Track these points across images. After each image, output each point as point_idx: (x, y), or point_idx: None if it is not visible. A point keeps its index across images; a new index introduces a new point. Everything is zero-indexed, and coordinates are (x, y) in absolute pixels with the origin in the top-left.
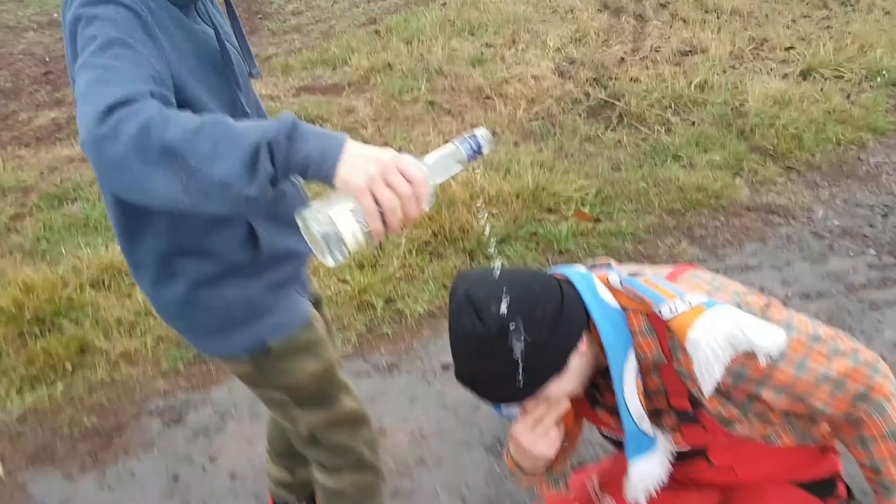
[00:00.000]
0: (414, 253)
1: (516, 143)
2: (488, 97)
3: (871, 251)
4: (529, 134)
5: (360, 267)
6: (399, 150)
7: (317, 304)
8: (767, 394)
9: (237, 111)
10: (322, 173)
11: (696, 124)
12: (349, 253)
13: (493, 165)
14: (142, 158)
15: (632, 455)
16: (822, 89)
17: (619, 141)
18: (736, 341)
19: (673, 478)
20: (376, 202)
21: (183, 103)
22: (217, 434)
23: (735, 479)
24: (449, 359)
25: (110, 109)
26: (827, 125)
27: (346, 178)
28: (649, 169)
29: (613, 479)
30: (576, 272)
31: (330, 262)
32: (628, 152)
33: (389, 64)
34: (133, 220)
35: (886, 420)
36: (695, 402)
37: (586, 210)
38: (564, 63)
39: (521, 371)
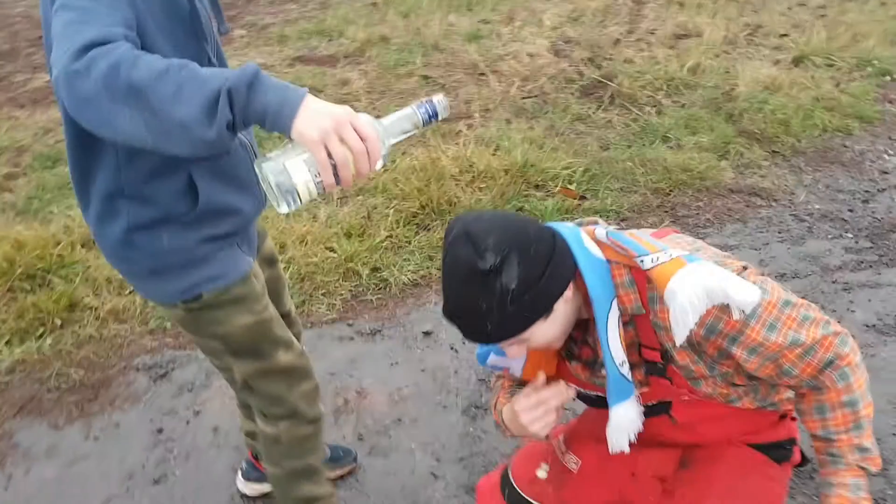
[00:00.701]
0: (401, 224)
1: (508, 120)
2: (483, 73)
3: (849, 235)
4: (522, 111)
5: (348, 236)
6: None
7: (271, 262)
8: (738, 352)
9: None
10: (279, 124)
11: (686, 107)
12: (301, 202)
13: (483, 141)
14: (110, 96)
15: (613, 401)
16: (812, 76)
17: (609, 121)
18: (712, 293)
19: (637, 435)
20: (330, 156)
21: None
22: (202, 390)
23: (696, 438)
24: (431, 326)
25: (86, 48)
26: (815, 112)
27: (302, 130)
28: (637, 149)
29: (577, 438)
30: (564, 225)
31: (283, 210)
32: (618, 132)
33: (386, 37)
34: (88, 159)
35: (848, 388)
36: (665, 355)
37: (573, 188)
38: (560, 42)
39: (510, 306)
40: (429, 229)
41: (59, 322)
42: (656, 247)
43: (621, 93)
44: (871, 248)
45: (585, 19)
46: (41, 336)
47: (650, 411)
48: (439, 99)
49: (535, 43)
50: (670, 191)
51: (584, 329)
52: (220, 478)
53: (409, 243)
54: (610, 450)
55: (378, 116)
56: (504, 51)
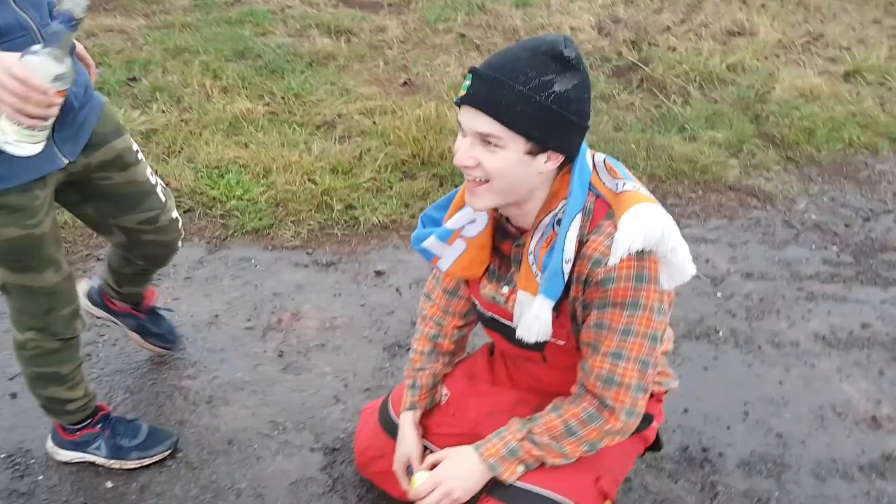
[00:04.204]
0: (389, 169)
1: None
2: (519, 40)
3: (834, 248)
4: None
5: (333, 171)
6: (416, 75)
7: (122, 167)
8: (594, 315)
9: None
10: None
11: (714, 102)
12: (30, 141)
13: None
14: None
15: (542, 290)
16: (858, 92)
17: (631, 103)
18: (663, 240)
19: (508, 377)
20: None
21: None
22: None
23: (560, 384)
24: (384, 267)
25: None
26: (846, 125)
27: None
28: (650, 135)
29: (453, 373)
30: None
31: (25, 152)
32: (637, 116)
33: None
34: None
35: (583, 423)
36: (567, 288)
37: None
38: (608, 20)
39: (538, 95)
40: (414, 177)
41: None
42: (640, 184)
43: (652, 78)
44: (851, 263)
45: (641, 2)
46: None
47: (529, 346)
48: (69, 4)
49: (580, 17)
50: (667, 178)
51: (514, 240)
52: (137, 366)
53: (391, 188)
54: (517, 335)
55: (405, 67)
56: (547, 21)
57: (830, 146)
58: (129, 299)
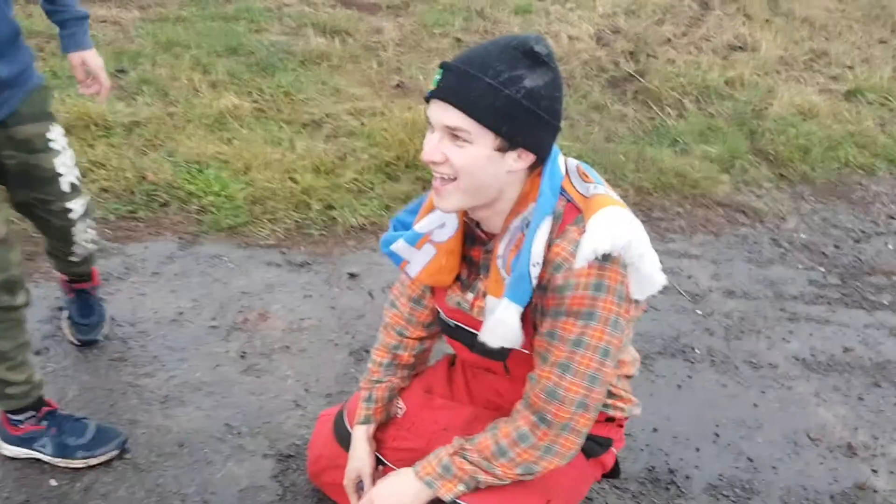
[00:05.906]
0: (371, 170)
1: None
2: None
3: (821, 269)
4: None
5: (316, 171)
6: (409, 78)
7: (28, 150)
8: (547, 322)
9: None
10: None
11: (710, 116)
12: None
13: None
14: None
15: (508, 294)
16: (858, 112)
17: (624, 115)
18: (630, 246)
19: (467, 391)
20: None
21: None
22: (116, 281)
23: (520, 395)
24: (358, 269)
25: None
26: (842, 145)
27: None
28: (641, 147)
29: (410, 386)
30: None
31: None
32: (629, 127)
33: None
34: None
35: (513, 442)
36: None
37: None
38: (606, 31)
39: (507, 90)
40: (396, 180)
41: None
42: (612, 190)
43: (647, 90)
44: (837, 285)
45: (643, 13)
46: None
47: (494, 352)
48: None
49: (579, 27)
50: (654, 191)
51: (484, 245)
52: (93, 361)
53: (373, 189)
54: (479, 338)
55: (398, 69)
56: (546, 29)
57: (825, 165)
58: (61, 270)
